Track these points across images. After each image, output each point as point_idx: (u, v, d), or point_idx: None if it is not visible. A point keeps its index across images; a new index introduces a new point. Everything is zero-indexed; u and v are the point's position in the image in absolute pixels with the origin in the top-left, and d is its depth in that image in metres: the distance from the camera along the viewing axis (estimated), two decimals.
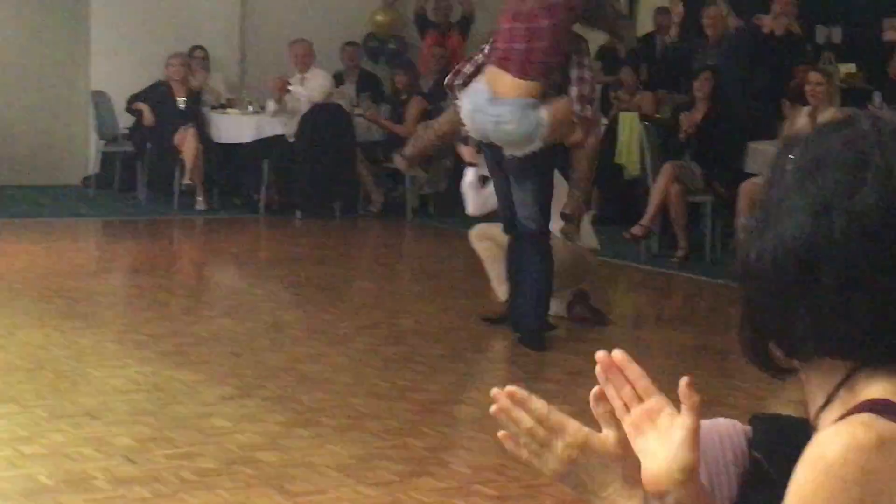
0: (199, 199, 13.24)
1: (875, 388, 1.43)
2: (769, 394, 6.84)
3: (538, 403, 1.72)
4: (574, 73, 7.48)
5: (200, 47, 14.31)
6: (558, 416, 1.70)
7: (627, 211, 11.99)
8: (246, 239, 12.27)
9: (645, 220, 11.03)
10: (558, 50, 7.45)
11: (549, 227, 7.67)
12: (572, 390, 6.54)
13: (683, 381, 1.72)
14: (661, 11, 14.49)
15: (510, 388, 1.74)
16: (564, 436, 1.68)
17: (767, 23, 12.55)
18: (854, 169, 1.44)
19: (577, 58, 7.53)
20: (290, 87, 13.17)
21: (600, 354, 1.77)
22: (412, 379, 6.96)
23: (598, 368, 1.79)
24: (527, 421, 1.69)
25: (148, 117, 13.37)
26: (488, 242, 8.35)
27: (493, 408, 1.74)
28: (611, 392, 1.74)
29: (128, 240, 11.80)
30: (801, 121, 10.65)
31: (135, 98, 13.57)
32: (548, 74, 7.45)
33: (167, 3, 14.72)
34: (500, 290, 8.21)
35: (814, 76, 10.77)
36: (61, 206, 13.20)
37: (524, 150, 7.40)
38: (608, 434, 1.69)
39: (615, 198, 12.81)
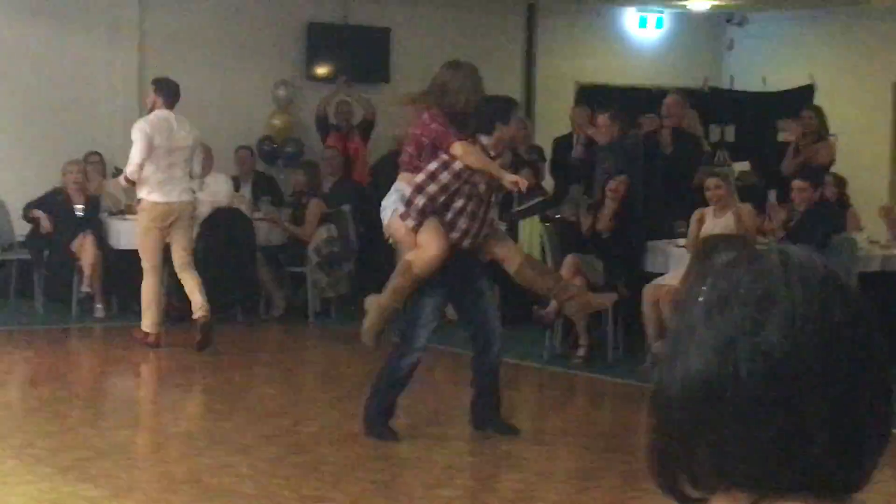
0: (98, 306, 13.07)
1: None
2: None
3: None
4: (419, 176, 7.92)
5: (96, 153, 14.22)
6: None
7: (528, 310, 12.03)
8: (145, 347, 12.09)
9: (551, 308, 11.07)
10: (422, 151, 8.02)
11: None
12: (481, 497, 6.51)
13: None
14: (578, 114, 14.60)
15: None
16: None
17: (651, 125, 12.91)
18: (760, 305, 1.45)
19: (432, 161, 7.79)
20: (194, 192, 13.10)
21: None
22: (318, 488, 6.90)
23: None
24: None
25: (45, 225, 13.22)
26: None
27: None
28: None
29: (25, 349, 11.60)
30: (705, 221, 10.82)
31: (31, 205, 13.42)
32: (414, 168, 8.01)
33: (62, 110, 14.64)
34: None
35: (711, 181, 10.94)
36: None
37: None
38: None
39: (516, 297, 12.85)
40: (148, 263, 11.50)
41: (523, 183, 8.24)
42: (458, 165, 7.86)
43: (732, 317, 1.46)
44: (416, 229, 7.89)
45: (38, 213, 13.30)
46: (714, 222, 10.70)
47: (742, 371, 1.43)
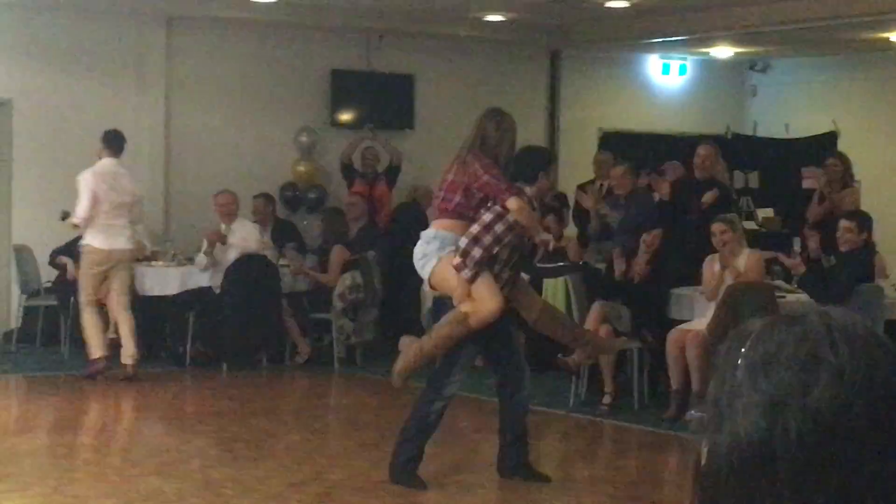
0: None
1: None
2: None
3: None
4: (474, 227, 7.88)
5: None
6: None
7: (553, 357, 12.02)
8: (172, 393, 12.15)
9: (577, 357, 11.07)
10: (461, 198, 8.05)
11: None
12: None
13: None
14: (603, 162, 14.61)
15: None
16: None
17: (675, 172, 12.86)
18: (807, 366, 1.47)
19: (486, 213, 7.79)
20: (224, 236, 13.17)
21: None
22: None
23: None
24: None
25: (71, 271, 13.29)
26: None
27: None
28: None
29: (52, 395, 11.64)
30: (713, 268, 10.82)
31: (58, 252, 13.50)
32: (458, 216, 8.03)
33: (88, 158, 14.72)
34: None
35: (716, 227, 10.86)
36: None
37: (422, 273, 8.13)
38: None
39: (541, 344, 12.85)
40: (85, 300, 12.28)
41: (551, 244, 8.31)
42: (511, 217, 7.87)
43: (779, 379, 1.47)
44: (471, 281, 7.89)
45: (65, 260, 13.38)
46: (727, 270, 10.67)
47: (792, 432, 1.44)
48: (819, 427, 1.43)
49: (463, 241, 7.85)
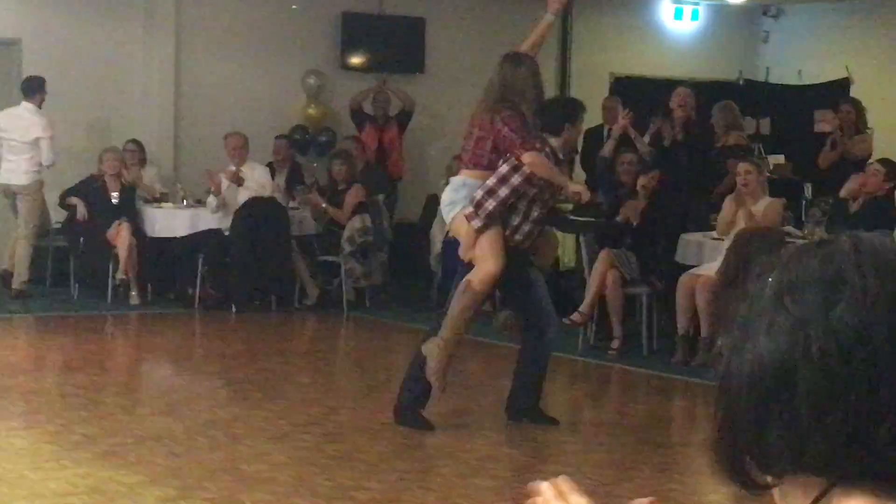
0: (133, 294, 13.13)
1: None
2: (711, 489, 6.85)
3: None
4: (490, 179, 7.85)
5: (134, 141, 14.27)
6: None
7: (563, 302, 12.02)
8: (181, 334, 12.17)
9: (584, 307, 11.09)
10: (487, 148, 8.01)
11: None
12: (514, 487, 6.52)
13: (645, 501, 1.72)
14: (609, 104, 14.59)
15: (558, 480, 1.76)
16: None
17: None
18: (831, 286, 1.47)
19: (503, 164, 7.76)
20: (242, 178, 13.16)
21: (542, 486, 1.78)
22: (353, 478, 6.92)
23: (539, 500, 1.79)
24: None
25: (81, 212, 13.30)
26: None
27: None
28: None
29: (61, 336, 11.66)
30: (732, 206, 10.80)
31: (68, 193, 13.50)
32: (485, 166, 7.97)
33: (99, 99, 14.71)
34: None
35: (744, 166, 10.90)
36: None
37: (446, 219, 8.23)
38: None
39: (551, 289, 12.85)
40: None
41: (585, 195, 8.27)
42: (528, 169, 7.83)
43: (803, 299, 1.47)
44: (480, 232, 7.86)
45: (75, 200, 13.39)
46: (741, 211, 10.66)
47: (814, 350, 1.44)
48: (840, 346, 1.43)
49: (478, 193, 7.83)
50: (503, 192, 7.79)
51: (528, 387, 8.31)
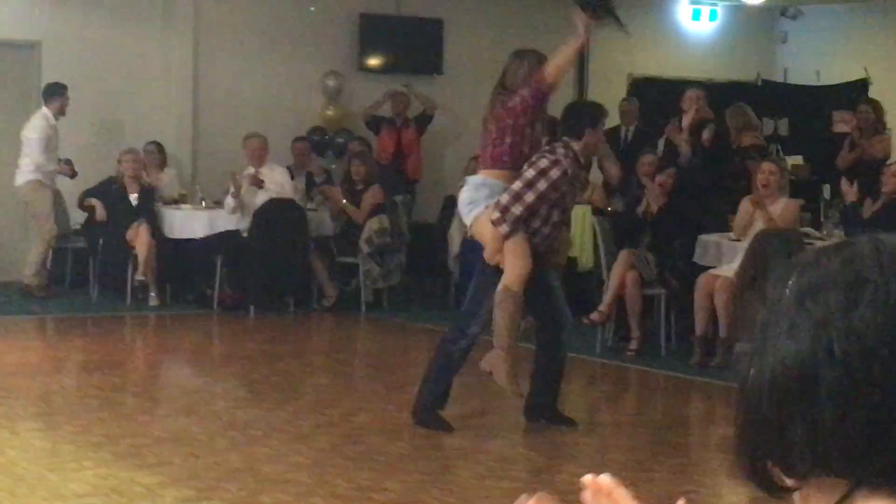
0: (152, 294, 13.17)
1: None
2: (729, 490, 6.85)
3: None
4: (517, 183, 7.88)
5: (154, 142, 14.31)
6: None
7: (581, 304, 12.02)
8: (200, 335, 12.21)
9: (603, 307, 11.11)
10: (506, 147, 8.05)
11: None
12: (534, 489, 6.52)
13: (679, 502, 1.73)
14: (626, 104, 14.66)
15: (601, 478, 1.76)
16: None
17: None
18: (852, 287, 1.47)
19: (529, 170, 7.78)
20: (262, 180, 13.20)
21: (587, 479, 1.77)
22: (372, 478, 6.93)
23: (586, 494, 1.78)
24: None
25: (100, 213, 13.34)
26: None
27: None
28: None
29: (80, 337, 11.70)
30: (749, 206, 10.79)
31: (87, 194, 13.54)
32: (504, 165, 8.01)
33: (117, 100, 14.76)
34: None
35: (768, 166, 10.91)
36: (12, 304, 13.08)
37: (466, 219, 8.20)
38: None
39: (568, 291, 12.85)
40: None
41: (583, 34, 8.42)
42: (554, 174, 7.83)
43: (825, 300, 1.47)
44: (507, 237, 7.87)
45: (94, 202, 13.43)
46: (759, 212, 10.65)
47: (836, 351, 1.45)
48: (862, 347, 1.44)
49: (504, 198, 7.83)
50: (529, 197, 7.80)
51: (544, 388, 8.32)
